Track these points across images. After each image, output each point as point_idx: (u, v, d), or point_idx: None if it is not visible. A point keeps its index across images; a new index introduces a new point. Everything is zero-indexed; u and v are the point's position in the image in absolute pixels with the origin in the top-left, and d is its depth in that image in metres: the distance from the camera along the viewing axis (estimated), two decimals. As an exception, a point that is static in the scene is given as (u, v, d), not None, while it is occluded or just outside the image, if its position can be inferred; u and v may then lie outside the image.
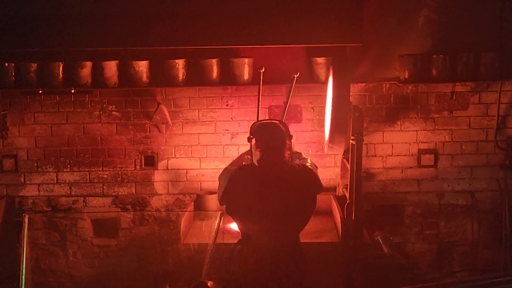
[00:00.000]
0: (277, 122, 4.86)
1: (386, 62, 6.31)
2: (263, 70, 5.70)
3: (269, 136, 4.65)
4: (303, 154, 5.13)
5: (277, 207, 4.60)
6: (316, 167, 4.98)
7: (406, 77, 6.14)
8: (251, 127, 4.81)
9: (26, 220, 4.54)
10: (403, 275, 6.49)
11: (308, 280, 4.81)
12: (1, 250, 6.38)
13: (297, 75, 5.68)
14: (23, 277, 4.49)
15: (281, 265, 4.64)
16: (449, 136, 6.52)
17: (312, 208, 4.80)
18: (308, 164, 4.87)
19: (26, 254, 4.55)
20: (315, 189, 4.80)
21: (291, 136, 4.79)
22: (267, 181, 4.60)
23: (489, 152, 6.52)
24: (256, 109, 5.77)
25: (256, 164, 4.63)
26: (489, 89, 6.45)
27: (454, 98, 6.42)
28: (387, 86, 6.48)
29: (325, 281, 5.37)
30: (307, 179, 4.74)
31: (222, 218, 4.99)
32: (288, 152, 4.67)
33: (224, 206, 4.78)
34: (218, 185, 4.83)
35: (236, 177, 4.66)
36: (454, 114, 6.49)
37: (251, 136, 4.70)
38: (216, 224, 4.93)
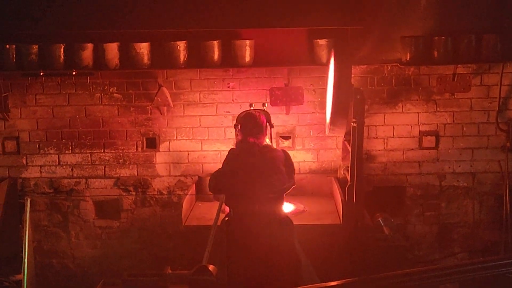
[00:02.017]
0: (260, 113, 5.56)
1: (387, 44, 6.30)
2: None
3: (249, 123, 5.43)
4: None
5: (249, 176, 5.22)
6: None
7: (408, 59, 6.14)
8: (238, 116, 5.68)
9: (28, 204, 4.55)
10: (404, 257, 6.54)
11: (290, 249, 5.22)
12: (3, 231, 6.41)
13: (266, 107, 6.01)
14: (26, 258, 4.51)
15: (261, 232, 5.12)
16: (451, 118, 6.52)
17: (280, 177, 5.28)
18: None
19: (28, 236, 4.57)
20: (284, 162, 5.37)
21: (272, 124, 5.72)
22: (243, 157, 5.32)
23: (490, 134, 6.53)
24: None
25: (235, 146, 5.53)
26: (491, 71, 6.44)
27: (455, 80, 6.41)
28: (389, 68, 6.47)
29: (327, 262, 5.40)
30: (277, 155, 5.38)
31: (224, 201, 5.01)
32: (264, 137, 5.48)
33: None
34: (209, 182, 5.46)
35: (223, 165, 5.42)
36: (455, 96, 6.49)
37: (237, 124, 5.57)
38: (218, 207, 4.95)
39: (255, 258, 5.13)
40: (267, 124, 5.58)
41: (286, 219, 5.32)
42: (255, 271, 5.13)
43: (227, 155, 5.46)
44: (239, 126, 5.49)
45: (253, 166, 5.25)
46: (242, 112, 5.67)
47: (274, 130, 6.40)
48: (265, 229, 5.15)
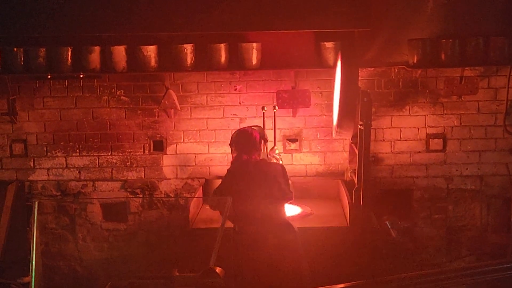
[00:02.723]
0: (253, 129, 5.61)
1: (395, 47, 6.30)
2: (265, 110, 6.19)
3: (242, 141, 5.50)
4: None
5: (246, 192, 5.30)
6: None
7: (415, 61, 6.13)
8: (232, 135, 5.67)
9: (36, 206, 4.56)
10: (411, 260, 6.53)
11: (294, 255, 5.21)
12: (11, 234, 6.43)
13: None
14: (33, 261, 4.52)
15: (265, 241, 5.17)
16: (458, 120, 6.51)
17: (278, 187, 5.39)
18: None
19: (36, 239, 4.58)
20: (282, 175, 5.46)
21: (266, 139, 5.72)
22: (239, 175, 5.40)
23: (498, 137, 6.51)
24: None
25: (231, 164, 5.56)
26: (498, 73, 6.42)
27: (463, 82, 6.40)
28: (396, 70, 6.46)
29: (334, 265, 5.39)
30: (273, 168, 5.52)
31: (231, 203, 5.01)
32: (258, 153, 5.52)
33: None
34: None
35: (223, 179, 5.57)
36: (463, 99, 6.48)
37: (232, 142, 5.58)
38: (225, 209, 4.94)
39: (260, 266, 5.16)
40: (261, 139, 5.59)
41: (288, 226, 5.32)
42: (260, 279, 5.15)
43: (225, 174, 5.52)
44: (234, 145, 5.55)
45: (249, 181, 5.33)
46: (235, 131, 5.71)
47: (281, 133, 6.44)
48: (268, 237, 5.19)
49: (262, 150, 5.60)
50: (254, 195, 5.28)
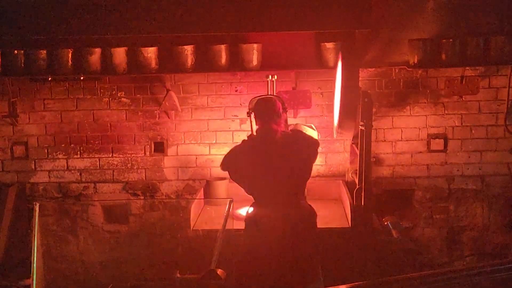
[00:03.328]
0: (273, 96, 5.44)
1: (395, 47, 6.29)
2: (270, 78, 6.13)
3: (265, 108, 5.12)
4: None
5: (273, 167, 4.95)
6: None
7: (416, 61, 6.12)
8: (249, 103, 5.49)
9: (37, 209, 4.57)
10: (412, 260, 6.53)
11: (312, 240, 5.03)
12: (12, 236, 6.43)
13: (269, 79, 5.97)
14: (35, 263, 4.53)
15: (286, 223, 4.89)
16: (459, 120, 6.51)
17: (306, 165, 5.08)
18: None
19: (37, 241, 4.58)
20: (310, 147, 5.10)
21: (286, 109, 5.40)
22: (264, 146, 5.02)
23: (499, 137, 6.51)
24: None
25: (255, 133, 5.16)
26: (499, 73, 6.42)
27: (464, 82, 6.40)
28: (397, 71, 6.46)
29: (335, 266, 5.39)
30: (301, 140, 5.12)
31: (232, 205, 5.00)
32: (284, 122, 5.23)
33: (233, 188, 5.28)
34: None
35: (240, 146, 5.18)
36: (463, 99, 6.47)
37: (250, 111, 5.33)
38: (226, 211, 4.95)
39: (277, 250, 4.89)
40: (282, 107, 5.24)
41: (310, 211, 5.10)
42: (274, 266, 4.91)
43: (247, 139, 5.19)
44: (254, 113, 5.17)
45: (276, 154, 4.98)
46: (254, 98, 5.45)
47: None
48: (289, 223, 4.91)
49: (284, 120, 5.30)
50: (278, 171, 4.93)
